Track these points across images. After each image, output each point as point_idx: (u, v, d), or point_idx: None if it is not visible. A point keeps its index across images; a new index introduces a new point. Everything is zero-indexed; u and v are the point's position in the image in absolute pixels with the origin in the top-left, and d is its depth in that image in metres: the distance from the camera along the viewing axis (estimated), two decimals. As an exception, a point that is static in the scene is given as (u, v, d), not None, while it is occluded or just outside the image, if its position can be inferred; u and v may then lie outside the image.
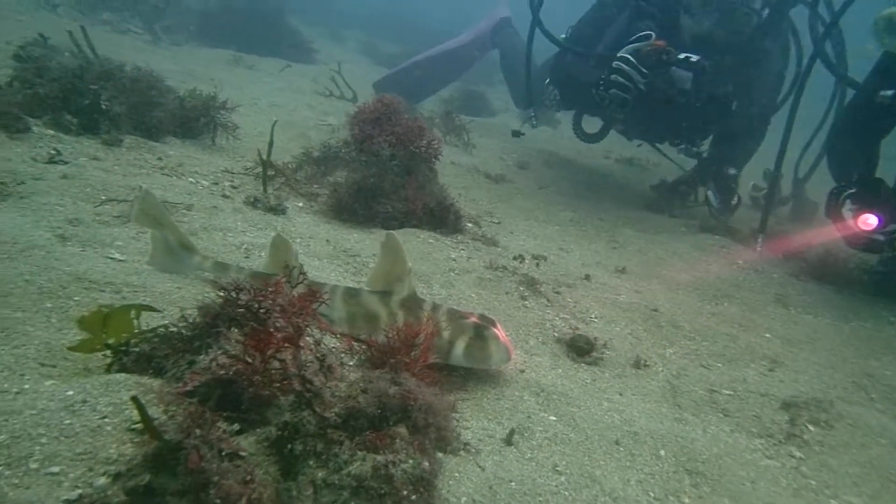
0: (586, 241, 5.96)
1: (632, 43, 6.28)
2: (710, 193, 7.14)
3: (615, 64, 6.27)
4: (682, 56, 6.25)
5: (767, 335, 4.40)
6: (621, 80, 6.24)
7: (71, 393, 1.98)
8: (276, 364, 1.98)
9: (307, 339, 2.16)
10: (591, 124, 7.64)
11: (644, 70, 6.19)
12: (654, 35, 6.21)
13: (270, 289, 2.23)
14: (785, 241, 6.35)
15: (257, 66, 11.18)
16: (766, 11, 6.71)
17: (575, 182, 8.28)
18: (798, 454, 3.00)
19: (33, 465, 1.69)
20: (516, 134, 8.03)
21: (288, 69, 11.53)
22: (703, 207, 7.41)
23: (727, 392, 3.47)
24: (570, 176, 8.59)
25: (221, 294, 2.21)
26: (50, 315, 2.51)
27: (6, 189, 3.67)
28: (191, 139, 5.68)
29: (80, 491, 1.65)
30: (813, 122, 7.67)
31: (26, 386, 2.02)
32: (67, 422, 1.85)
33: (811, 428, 3.23)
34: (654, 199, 7.57)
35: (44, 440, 1.77)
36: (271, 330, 2.06)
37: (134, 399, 1.69)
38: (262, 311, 2.18)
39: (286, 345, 2.04)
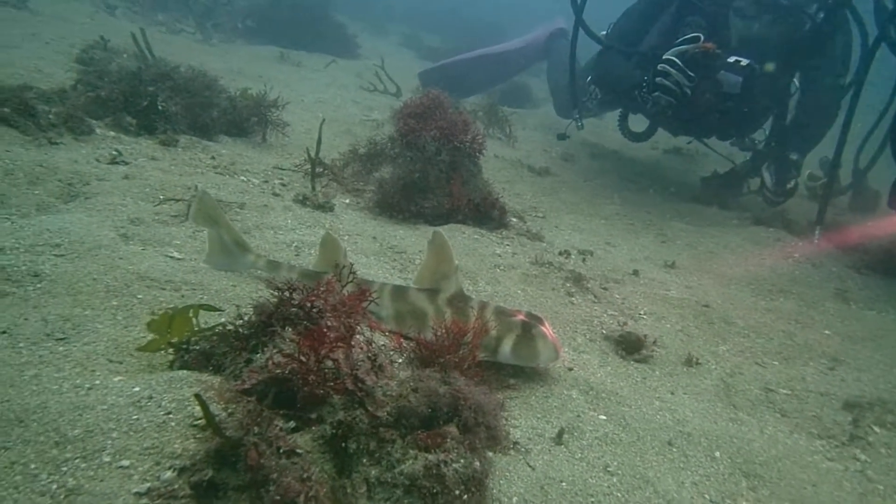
0: (634, 235, 5.84)
1: (679, 45, 6.06)
2: (766, 174, 6.85)
3: (660, 66, 6.03)
4: (731, 59, 6.01)
5: (827, 332, 4.23)
6: (667, 83, 6.03)
7: (137, 389, 2.08)
8: (330, 363, 2.03)
9: (358, 337, 2.21)
10: (638, 122, 7.46)
11: (690, 73, 5.97)
12: (702, 37, 5.98)
13: (322, 288, 2.28)
14: (844, 232, 6.06)
15: (303, 62, 11.36)
16: (821, 14, 6.39)
17: (621, 174, 8.12)
18: (863, 457, 2.89)
19: (106, 459, 1.78)
20: (562, 137, 7.91)
21: (333, 65, 11.69)
22: (757, 199, 7.15)
23: (785, 391, 3.36)
24: (616, 168, 8.43)
25: (275, 294, 2.27)
26: (116, 313, 2.64)
27: (73, 189, 3.86)
28: (242, 137, 5.84)
29: (148, 484, 1.74)
30: (877, 108, 7.28)
31: (97, 382, 2.13)
32: (135, 417, 1.94)
33: (877, 429, 3.10)
34: (705, 190, 7.33)
35: (114, 435, 1.86)
36: (324, 329, 2.10)
37: (197, 396, 1.76)
38: (314, 310, 2.23)
39: (339, 344, 2.08)
